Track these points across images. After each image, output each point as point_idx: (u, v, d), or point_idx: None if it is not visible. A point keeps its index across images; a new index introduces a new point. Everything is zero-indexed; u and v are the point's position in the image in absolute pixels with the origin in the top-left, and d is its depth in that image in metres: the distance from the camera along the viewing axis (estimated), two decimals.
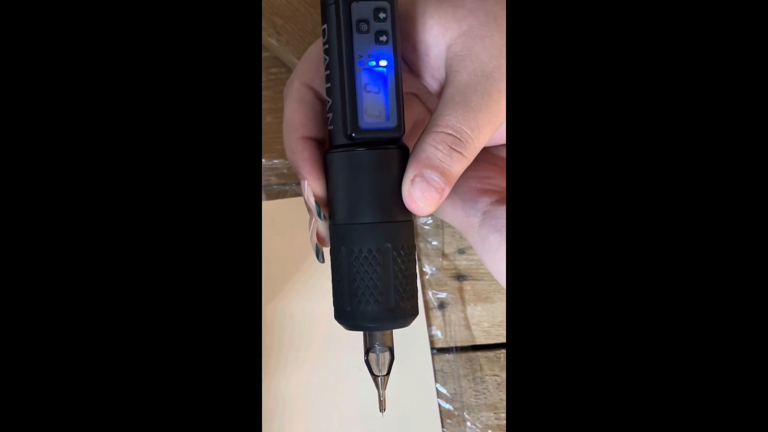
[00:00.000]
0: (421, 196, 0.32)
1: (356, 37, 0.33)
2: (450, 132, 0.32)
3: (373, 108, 0.33)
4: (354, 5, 0.33)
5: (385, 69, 0.33)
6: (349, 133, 0.33)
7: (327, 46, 0.33)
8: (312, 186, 0.34)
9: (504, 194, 0.38)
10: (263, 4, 0.49)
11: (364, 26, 0.33)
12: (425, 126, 0.34)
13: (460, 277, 0.49)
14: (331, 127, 0.34)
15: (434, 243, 0.49)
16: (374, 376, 0.35)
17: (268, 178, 0.50)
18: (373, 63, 0.33)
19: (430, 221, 0.50)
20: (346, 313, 0.34)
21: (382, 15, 0.33)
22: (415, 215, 0.34)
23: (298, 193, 0.49)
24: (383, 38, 0.33)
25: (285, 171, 0.50)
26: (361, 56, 0.33)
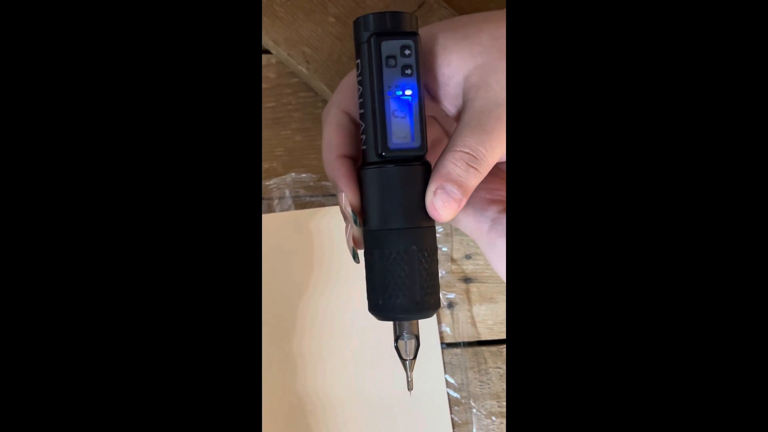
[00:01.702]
0: (441, 205, 0.36)
1: (386, 71, 0.36)
2: (467, 151, 0.36)
3: (400, 130, 0.36)
4: (384, 44, 0.36)
5: (410, 97, 0.36)
6: (380, 152, 0.36)
7: (360, 77, 0.37)
8: (349, 197, 0.37)
9: None
10: (295, 36, 0.51)
11: (392, 61, 0.36)
12: (444, 145, 0.37)
13: (467, 279, 0.52)
14: (364, 147, 0.37)
15: (444, 249, 0.52)
16: (402, 360, 0.38)
17: (296, 190, 0.52)
18: (400, 93, 0.36)
19: (441, 229, 0.52)
20: (379, 306, 0.37)
21: (407, 52, 0.36)
22: (436, 221, 0.37)
23: (323, 204, 0.52)
24: (408, 71, 0.36)
25: (311, 184, 0.52)
26: (390, 87, 0.36)
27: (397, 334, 0.38)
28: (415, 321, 0.38)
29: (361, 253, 0.39)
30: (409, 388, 0.39)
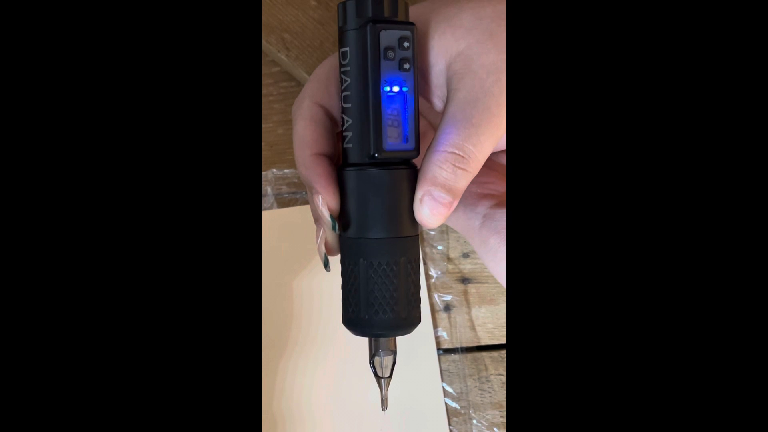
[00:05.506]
0: (429, 213, 0.34)
1: (383, 63, 0.33)
2: (453, 151, 0.34)
3: (394, 131, 0.34)
4: (383, 33, 0.33)
5: (406, 94, 0.34)
6: (372, 153, 0.34)
7: (348, 68, 0.34)
8: (327, 200, 0.35)
9: (503, 198, 0.39)
10: (274, 22, 0.50)
11: (390, 53, 0.33)
12: (430, 138, 0.35)
13: (464, 280, 0.50)
14: (349, 146, 0.35)
15: (440, 248, 0.50)
16: (378, 378, 0.36)
17: (279, 187, 0.51)
18: (397, 89, 0.34)
19: None
20: (362, 321, 0.35)
21: (406, 44, 0.33)
22: (421, 228, 0.35)
23: (308, 202, 0.50)
24: (406, 65, 0.34)
25: (295, 180, 0.51)
26: (387, 82, 0.33)
27: (373, 351, 0.36)
28: (392, 336, 0.36)
29: (333, 260, 0.37)
30: (384, 407, 0.37)
